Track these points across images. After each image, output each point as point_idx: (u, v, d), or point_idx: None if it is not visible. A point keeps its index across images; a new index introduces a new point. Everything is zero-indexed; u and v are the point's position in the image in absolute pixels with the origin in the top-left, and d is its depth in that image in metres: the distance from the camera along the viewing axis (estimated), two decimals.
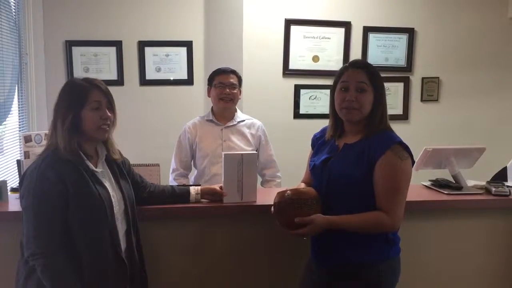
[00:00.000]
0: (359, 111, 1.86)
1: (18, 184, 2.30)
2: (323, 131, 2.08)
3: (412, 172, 2.48)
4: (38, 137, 2.24)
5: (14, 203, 2.22)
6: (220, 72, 2.90)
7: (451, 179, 2.53)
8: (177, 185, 2.52)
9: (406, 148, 1.84)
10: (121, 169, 1.95)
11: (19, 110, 3.80)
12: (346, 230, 1.81)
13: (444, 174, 2.60)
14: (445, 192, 2.43)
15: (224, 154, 2.22)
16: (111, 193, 1.82)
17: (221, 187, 2.21)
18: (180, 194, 2.18)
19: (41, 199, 1.67)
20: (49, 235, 1.66)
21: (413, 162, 1.87)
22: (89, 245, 1.72)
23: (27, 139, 2.19)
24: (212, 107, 2.98)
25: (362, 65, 1.91)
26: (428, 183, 2.60)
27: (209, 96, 2.96)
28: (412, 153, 1.87)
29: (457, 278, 2.44)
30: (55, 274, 1.65)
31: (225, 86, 2.84)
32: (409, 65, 4.27)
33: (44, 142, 2.25)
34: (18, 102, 3.80)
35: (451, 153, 2.49)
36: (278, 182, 2.97)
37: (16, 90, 3.74)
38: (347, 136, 1.94)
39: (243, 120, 2.97)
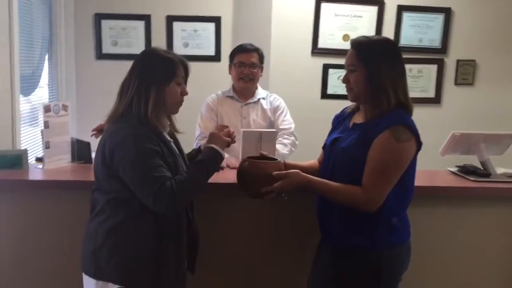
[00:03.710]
0: (352, 91, 1.83)
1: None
2: (344, 110, 2.03)
3: (440, 157, 2.47)
4: (56, 107, 2.25)
5: (35, 172, 2.26)
6: (241, 50, 2.82)
7: (480, 166, 2.42)
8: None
9: (410, 129, 1.73)
10: (179, 144, 1.95)
11: (48, 82, 3.86)
12: (322, 194, 1.83)
13: (473, 160, 2.49)
14: (471, 178, 2.33)
15: (243, 131, 2.19)
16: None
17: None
18: None
19: (147, 152, 1.67)
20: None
21: (420, 144, 1.76)
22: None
23: (46, 109, 2.21)
24: (233, 83, 2.93)
25: (354, 44, 1.84)
26: (454, 169, 2.50)
27: (230, 73, 2.90)
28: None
29: (481, 269, 2.34)
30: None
31: (245, 66, 2.77)
32: (444, 47, 4.10)
33: (62, 112, 2.26)
34: (48, 73, 3.86)
35: (480, 139, 2.38)
36: (285, 151, 2.78)
37: (46, 62, 3.80)
38: (359, 115, 1.89)
39: (263, 98, 2.91)
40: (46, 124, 2.22)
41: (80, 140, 2.44)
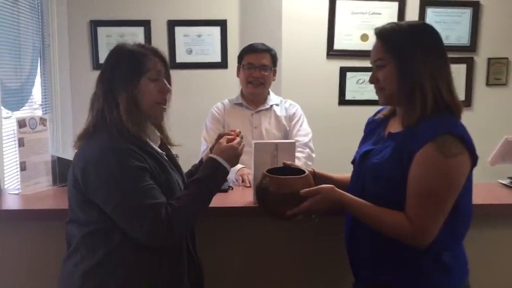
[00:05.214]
0: (384, 92, 1.50)
1: None
2: (379, 112, 1.67)
3: (488, 168, 2.09)
4: (32, 121, 1.92)
5: (8, 199, 1.93)
6: (251, 50, 2.53)
7: None
8: None
9: (461, 139, 1.36)
10: (173, 158, 1.63)
11: (42, 95, 3.58)
12: (360, 219, 1.48)
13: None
14: None
15: (255, 143, 1.87)
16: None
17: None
18: None
19: (132, 171, 1.36)
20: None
21: (475, 157, 1.40)
22: None
23: (21, 124, 1.86)
24: (242, 89, 2.60)
25: (379, 33, 1.49)
26: (507, 181, 2.15)
27: (238, 76, 2.58)
28: (475, 145, 1.40)
29: None
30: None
31: (255, 68, 2.47)
32: (473, 44, 3.79)
33: (40, 127, 1.92)
34: (41, 86, 3.57)
35: None
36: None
37: (39, 73, 3.51)
38: (396, 122, 1.54)
39: (277, 104, 2.58)
40: (21, 142, 1.89)
41: (62, 158, 2.10)
